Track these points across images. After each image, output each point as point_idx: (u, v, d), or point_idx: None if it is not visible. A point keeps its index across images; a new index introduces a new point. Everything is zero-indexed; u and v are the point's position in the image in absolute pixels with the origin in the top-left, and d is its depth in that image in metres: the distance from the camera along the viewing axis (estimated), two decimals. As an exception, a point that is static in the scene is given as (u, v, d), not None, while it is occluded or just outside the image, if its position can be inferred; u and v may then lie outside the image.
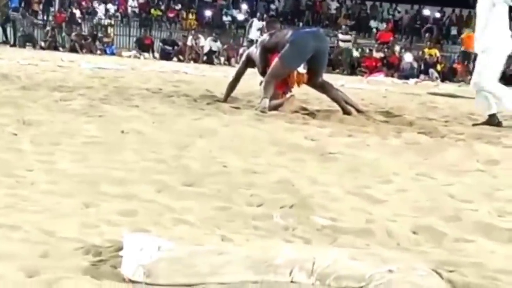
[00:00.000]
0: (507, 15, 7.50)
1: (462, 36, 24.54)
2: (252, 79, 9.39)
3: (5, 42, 25.90)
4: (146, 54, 24.89)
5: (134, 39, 27.79)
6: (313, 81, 8.20)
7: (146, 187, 3.65)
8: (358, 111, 8.02)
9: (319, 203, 3.47)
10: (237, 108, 7.85)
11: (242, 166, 4.42)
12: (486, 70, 7.58)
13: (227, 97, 8.62)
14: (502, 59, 7.68)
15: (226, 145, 5.17)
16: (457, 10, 36.97)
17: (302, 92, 9.06)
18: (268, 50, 8.21)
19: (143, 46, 25.64)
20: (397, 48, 25.60)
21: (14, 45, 25.27)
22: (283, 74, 8.05)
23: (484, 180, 4.44)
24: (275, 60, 7.95)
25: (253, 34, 26.32)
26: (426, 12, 34.37)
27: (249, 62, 8.85)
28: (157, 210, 3.20)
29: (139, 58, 23.65)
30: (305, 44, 7.92)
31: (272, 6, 37.49)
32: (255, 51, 8.58)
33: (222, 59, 25.69)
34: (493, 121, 7.64)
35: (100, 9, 30.71)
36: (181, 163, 4.35)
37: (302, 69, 8.20)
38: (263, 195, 3.62)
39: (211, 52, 25.70)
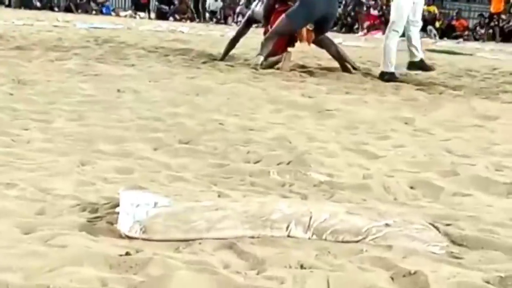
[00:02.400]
0: None
1: None
2: (252, 39, 9.32)
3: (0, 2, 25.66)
4: (141, 14, 24.67)
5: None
6: (316, 39, 8.09)
7: (142, 145, 3.64)
8: (355, 68, 7.97)
9: (316, 159, 3.46)
10: (234, 66, 7.80)
11: (239, 123, 4.40)
12: None
13: (225, 56, 8.55)
14: None
15: (222, 103, 5.14)
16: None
17: (299, 50, 8.99)
18: (277, 1, 8.07)
19: (139, 6, 25.38)
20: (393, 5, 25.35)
21: (9, 5, 25.03)
22: (286, 33, 7.91)
23: (481, 135, 4.44)
24: (281, 17, 7.80)
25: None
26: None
27: (250, 22, 8.77)
28: (153, 168, 3.19)
29: (134, 17, 23.44)
30: (314, 6, 7.78)
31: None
32: (257, 9, 8.49)
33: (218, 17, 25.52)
34: None
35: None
36: (177, 121, 4.33)
37: (309, 26, 8.05)
38: (260, 152, 3.61)
39: (211, 12, 25.52)
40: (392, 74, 7.34)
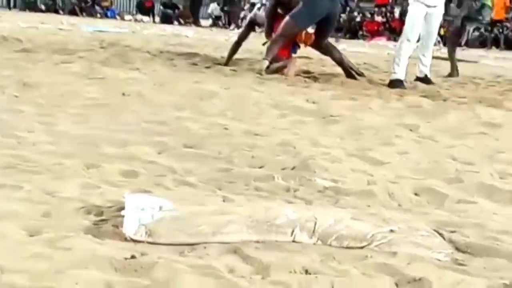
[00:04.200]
0: None
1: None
2: (254, 42, 9.33)
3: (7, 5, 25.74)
4: (146, 18, 24.72)
5: (135, 2, 27.55)
6: (318, 42, 8.07)
7: (147, 148, 3.64)
8: (359, 74, 7.97)
9: (320, 165, 3.46)
10: (238, 71, 7.80)
11: (243, 128, 4.41)
12: None
13: (229, 60, 8.55)
14: None
15: (227, 108, 5.15)
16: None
17: (304, 55, 9.01)
18: (279, 6, 8.07)
19: (144, 9, 25.44)
20: (397, 11, 25.37)
21: (14, 7, 25.10)
22: (292, 34, 7.86)
23: (486, 143, 4.43)
24: (286, 19, 7.78)
25: (256, -4, 26.17)
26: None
27: (252, 26, 8.77)
28: (158, 171, 3.20)
29: (139, 21, 23.49)
30: (318, 5, 7.77)
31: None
32: (259, 13, 8.49)
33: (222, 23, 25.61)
34: None
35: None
36: (182, 125, 4.34)
37: (310, 29, 8.08)
38: (264, 157, 3.61)
39: (215, 18, 25.61)
40: (401, 81, 7.37)
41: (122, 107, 4.85)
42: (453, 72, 8.94)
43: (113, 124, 4.22)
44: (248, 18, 8.99)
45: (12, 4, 25.81)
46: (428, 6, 7.63)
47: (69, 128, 4.03)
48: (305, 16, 7.69)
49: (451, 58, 9.24)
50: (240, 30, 9.58)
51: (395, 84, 7.33)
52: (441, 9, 7.83)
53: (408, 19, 7.75)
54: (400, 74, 7.44)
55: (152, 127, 4.22)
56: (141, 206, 2.39)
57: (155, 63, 8.07)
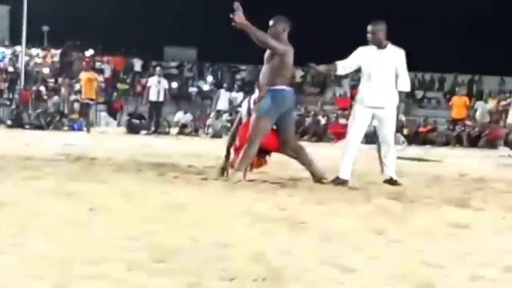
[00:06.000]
0: None
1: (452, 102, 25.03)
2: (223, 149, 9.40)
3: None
4: (114, 122, 24.86)
5: (101, 112, 27.75)
6: (287, 143, 8.02)
7: (117, 265, 3.61)
8: (325, 178, 8.00)
9: (291, 275, 3.46)
10: (207, 179, 7.83)
11: (213, 239, 4.40)
12: None
13: (227, 158, 8.41)
14: None
15: (196, 218, 5.15)
16: (419, 74, 37.80)
17: (269, 161, 9.08)
18: None
19: (113, 111, 25.57)
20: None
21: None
22: (262, 129, 7.76)
23: (454, 245, 4.47)
24: (251, 120, 7.84)
25: (221, 104, 26.59)
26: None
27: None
28: (129, 289, 3.16)
29: (106, 126, 23.67)
30: (282, 97, 7.80)
31: (238, 76, 37.96)
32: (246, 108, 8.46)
33: (190, 130, 25.84)
34: None
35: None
36: (151, 239, 4.32)
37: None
38: (235, 268, 3.60)
39: (182, 126, 25.88)
40: (342, 180, 7.85)
41: (90, 223, 4.83)
42: None
43: (82, 241, 4.19)
44: (244, 111, 8.91)
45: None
46: (374, 108, 7.86)
47: (38, 248, 3.98)
48: (268, 106, 7.73)
49: None
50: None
51: (337, 181, 7.81)
52: (389, 110, 7.97)
53: (350, 120, 8.07)
54: (342, 174, 7.87)
55: (121, 243, 4.19)
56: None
57: (123, 175, 8.08)
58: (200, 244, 4.26)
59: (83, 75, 25.13)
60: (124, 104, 27.80)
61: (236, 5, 7.53)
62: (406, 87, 8.15)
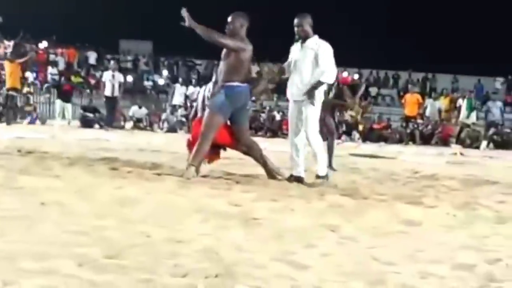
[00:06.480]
0: None
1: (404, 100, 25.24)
2: (178, 145, 9.36)
3: None
4: (69, 105, 24.54)
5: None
6: (240, 139, 7.99)
7: (67, 261, 3.55)
8: (279, 174, 7.99)
9: (243, 271, 3.45)
10: (161, 175, 7.78)
11: (165, 235, 4.36)
12: None
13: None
14: None
15: (148, 214, 5.11)
16: (374, 72, 38.16)
17: (224, 157, 9.06)
18: None
19: (63, 94, 25.05)
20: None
21: None
22: (215, 125, 7.70)
23: (406, 242, 4.51)
24: (206, 115, 7.79)
25: (176, 99, 26.49)
26: (345, 74, 35.19)
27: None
28: (79, 286, 3.12)
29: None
30: (236, 93, 7.74)
31: (193, 71, 37.85)
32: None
33: (145, 124, 25.66)
34: None
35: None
36: (102, 235, 4.26)
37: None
38: (187, 265, 3.57)
39: (137, 120, 25.67)
40: (295, 177, 7.84)
41: (40, 218, 4.75)
42: None
43: (31, 237, 4.12)
44: (200, 101, 8.83)
45: None
46: (295, 101, 7.93)
47: (-16, 243, 3.91)
48: (220, 102, 7.69)
49: None
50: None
51: (292, 178, 7.89)
52: (307, 104, 7.82)
53: None
54: (296, 171, 7.93)
55: (72, 238, 4.13)
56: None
57: (75, 169, 7.96)
58: (152, 240, 4.22)
59: (7, 64, 23.87)
60: (75, 89, 27.30)
61: (183, 11, 7.53)
62: (325, 78, 7.84)
